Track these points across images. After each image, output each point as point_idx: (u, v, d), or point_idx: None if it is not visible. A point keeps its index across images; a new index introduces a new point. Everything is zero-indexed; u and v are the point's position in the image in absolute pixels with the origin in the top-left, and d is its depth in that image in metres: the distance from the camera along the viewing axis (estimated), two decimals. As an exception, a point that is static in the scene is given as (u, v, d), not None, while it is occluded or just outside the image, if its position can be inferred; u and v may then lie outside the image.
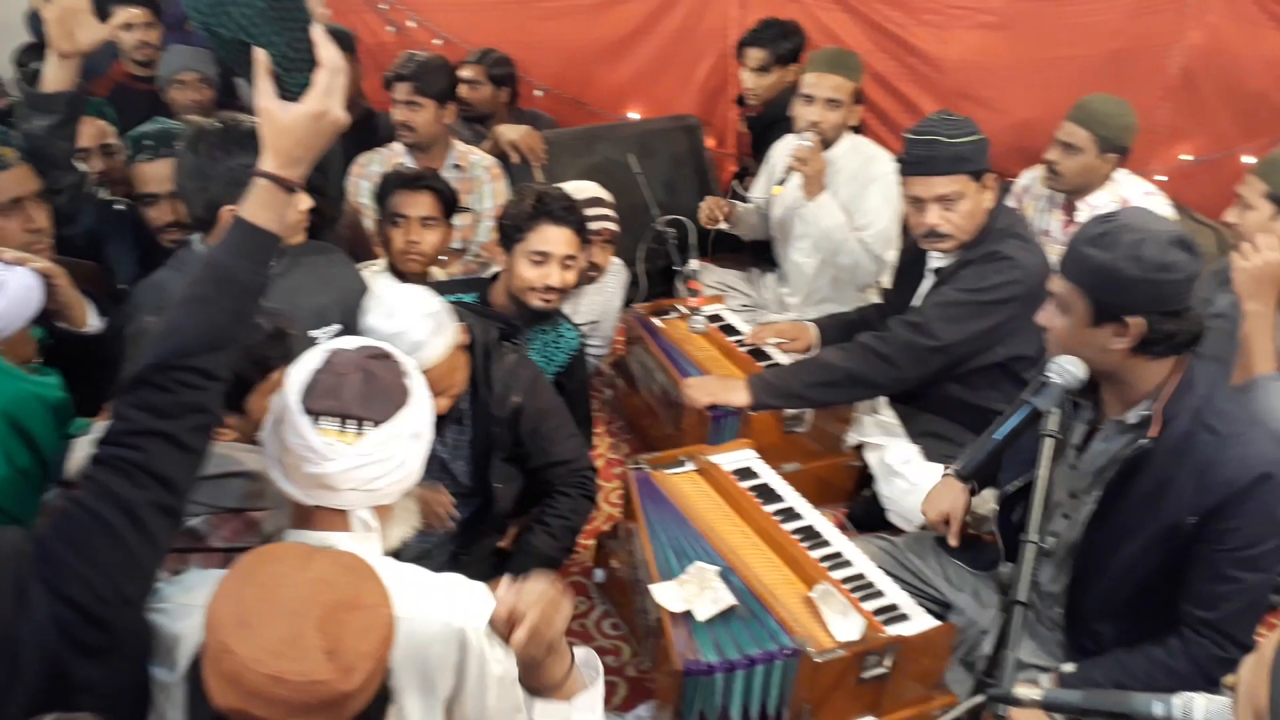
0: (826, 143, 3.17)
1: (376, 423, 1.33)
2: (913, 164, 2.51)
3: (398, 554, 1.47)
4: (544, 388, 2.33)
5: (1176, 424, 1.76)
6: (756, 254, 3.72)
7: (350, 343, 1.42)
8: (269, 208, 1.31)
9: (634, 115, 4.14)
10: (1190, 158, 4.00)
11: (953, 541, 2.15)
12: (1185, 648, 1.79)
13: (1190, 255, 1.70)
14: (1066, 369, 1.76)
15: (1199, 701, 1.09)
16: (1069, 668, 1.94)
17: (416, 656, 1.31)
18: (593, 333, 3.14)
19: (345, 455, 1.31)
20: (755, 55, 3.66)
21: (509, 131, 3.56)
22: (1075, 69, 3.74)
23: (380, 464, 1.33)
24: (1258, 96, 3.81)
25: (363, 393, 1.33)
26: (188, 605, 1.30)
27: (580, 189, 2.90)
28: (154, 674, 1.28)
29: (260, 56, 1.30)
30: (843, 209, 3.15)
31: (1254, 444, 1.72)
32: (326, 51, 1.26)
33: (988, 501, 2.11)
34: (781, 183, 3.16)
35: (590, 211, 2.80)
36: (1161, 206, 3.14)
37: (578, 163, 3.65)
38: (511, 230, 2.48)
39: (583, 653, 1.45)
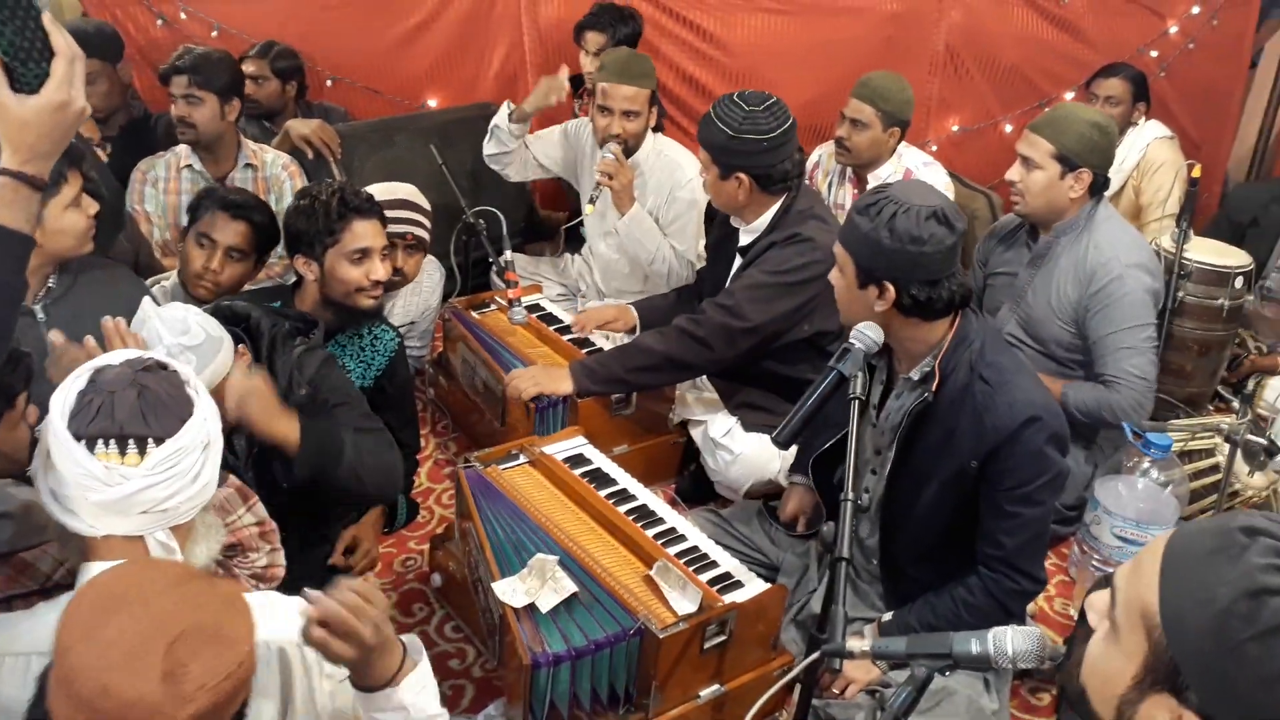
0: (630, 150, 3.17)
1: (159, 439, 1.25)
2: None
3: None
4: (335, 376, 2.22)
5: (955, 377, 1.92)
6: (568, 238, 3.73)
7: (117, 357, 1.32)
8: (14, 206, 1.21)
9: (432, 103, 4.05)
10: (958, 128, 4.33)
11: (800, 530, 2.35)
12: (983, 584, 1.96)
13: (947, 229, 1.84)
14: (865, 334, 1.88)
15: (1009, 634, 1.20)
16: (887, 617, 2.08)
17: None
18: (410, 332, 3.07)
19: (131, 478, 1.23)
20: (595, 39, 3.63)
21: (300, 126, 3.40)
22: (853, 50, 3.96)
23: (171, 481, 1.25)
24: (1012, 69, 4.17)
25: (139, 409, 1.24)
26: None
27: (389, 190, 2.80)
28: None
29: None
30: (652, 213, 3.18)
31: (1021, 390, 1.89)
32: (60, 39, 1.18)
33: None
34: (593, 200, 3.16)
35: (395, 214, 2.72)
36: (939, 174, 3.38)
37: (376, 155, 3.54)
38: (320, 235, 2.34)
39: (405, 638, 1.41)
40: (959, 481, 1.94)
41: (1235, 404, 3.15)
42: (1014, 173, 2.65)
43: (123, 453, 1.23)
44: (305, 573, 2.31)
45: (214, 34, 3.81)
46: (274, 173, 3.20)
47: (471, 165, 3.63)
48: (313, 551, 2.33)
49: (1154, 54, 4.10)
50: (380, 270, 2.38)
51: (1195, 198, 3.19)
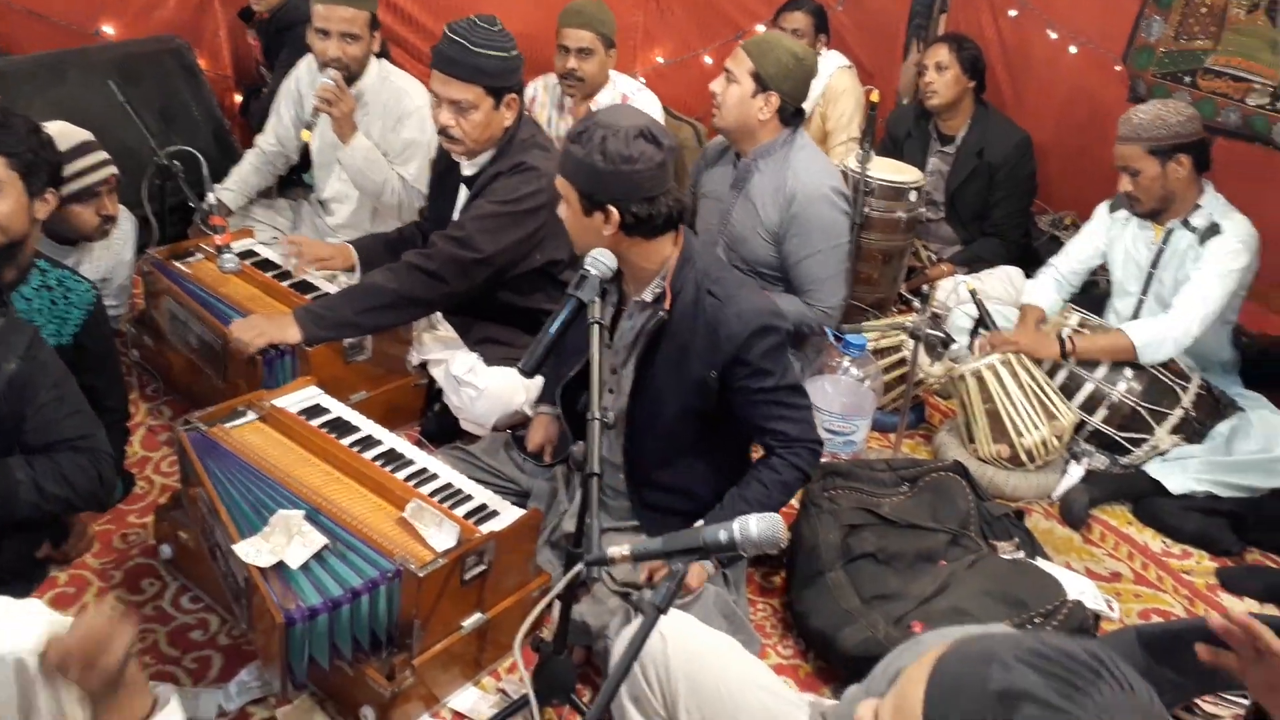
0: (352, 76, 3.03)
1: None
2: (438, 59, 2.51)
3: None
4: (46, 358, 2.00)
5: (684, 295, 2.03)
6: (283, 183, 3.51)
7: None
8: None
9: (109, 30, 3.61)
10: (663, 60, 4.48)
11: (547, 459, 2.40)
12: (785, 461, 2.09)
13: (655, 147, 1.92)
14: (599, 260, 1.93)
15: (751, 522, 1.31)
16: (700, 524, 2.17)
17: None
18: (104, 290, 2.77)
19: None
20: None
21: (-61, 62, 2.94)
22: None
23: None
24: (709, 4, 4.37)
25: None
26: None
27: (66, 135, 2.48)
28: None
29: None
30: (379, 144, 3.07)
31: (748, 302, 2.04)
32: None
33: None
34: (310, 127, 2.99)
35: (87, 160, 2.46)
36: (651, 99, 3.52)
37: (46, 95, 3.12)
38: None
39: (159, 688, 1.33)
40: (701, 393, 2.06)
41: (916, 303, 3.55)
42: (716, 85, 2.80)
43: None
44: (13, 567, 2.10)
45: None
46: None
47: (160, 103, 3.31)
48: (14, 543, 2.10)
49: (832, -11, 4.44)
50: None
51: (874, 121, 3.54)
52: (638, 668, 1.58)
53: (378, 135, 3.09)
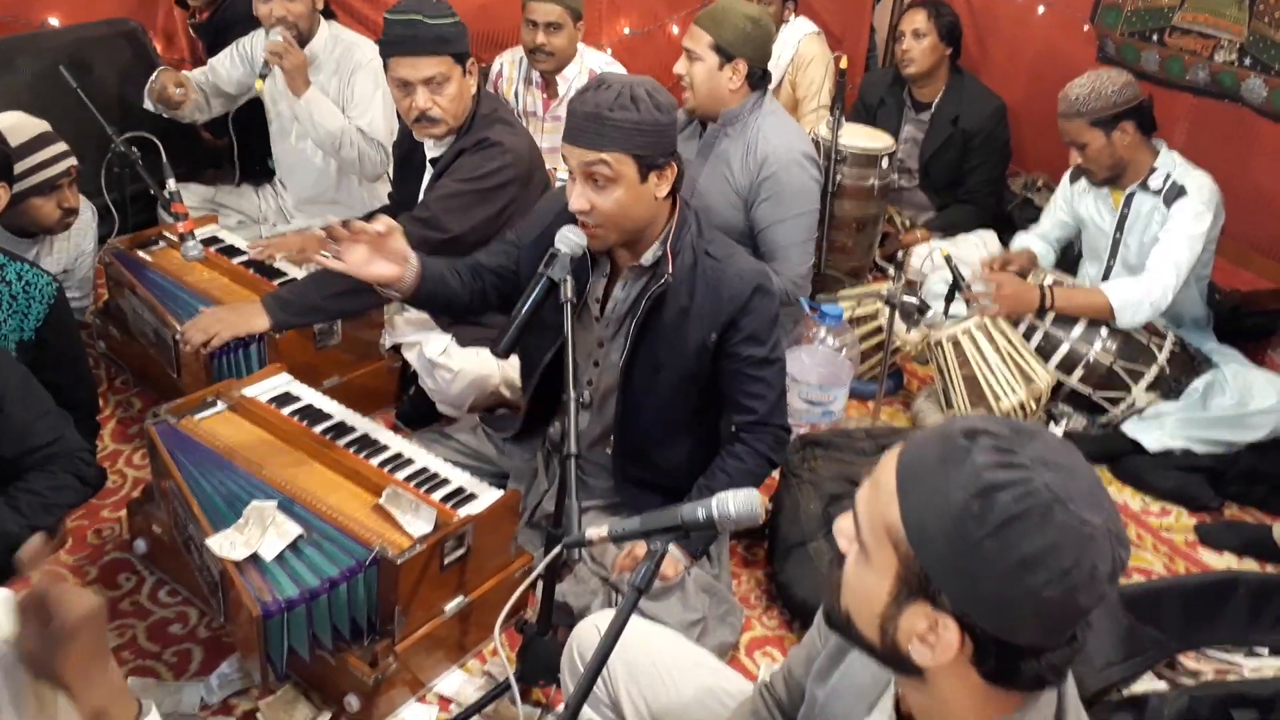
0: (304, 38, 3.02)
1: None
2: (395, 44, 2.43)
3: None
4: (8, 372, 1.95)
5: (682, 258, 1.99)
6: (245, 167, 3.45)
7: None
8: None
9: (54, 22, 3.52)
10: (629, 31, 4.43)
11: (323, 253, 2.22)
12: (749, 449, 2.07)
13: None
14: (570, 239, 1.89)
15: (730, 498, 1.29)
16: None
17: None
18: (67, 281, 2.72)
19: None
20: None
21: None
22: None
23: None
24: (676, -28, 4.31)
25: None
26: None
27: (19, 128, 2.41)
28: None
29: None
30: (335, 101, 3.05)
31: (745, 261, 2.02)
32: None
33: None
34: (263, 76, 2.94)
35: (45, 153, 2.40)
36: (620, 72, 3.45)
37: (-5, 83, 3.05)
38: None
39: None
40: (700, 357, 2.02)
41: (891, 271, 3.54)
42: (680, 66, 2.75)
43: None
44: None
45: None
46: None
47: (116, 88, 3.23)
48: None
49: (781, -46, 4.37)
50: None
51: (844, 87, 3.51)
52: (578, 659, 1.58)
53: (334, 93, 3.09)
